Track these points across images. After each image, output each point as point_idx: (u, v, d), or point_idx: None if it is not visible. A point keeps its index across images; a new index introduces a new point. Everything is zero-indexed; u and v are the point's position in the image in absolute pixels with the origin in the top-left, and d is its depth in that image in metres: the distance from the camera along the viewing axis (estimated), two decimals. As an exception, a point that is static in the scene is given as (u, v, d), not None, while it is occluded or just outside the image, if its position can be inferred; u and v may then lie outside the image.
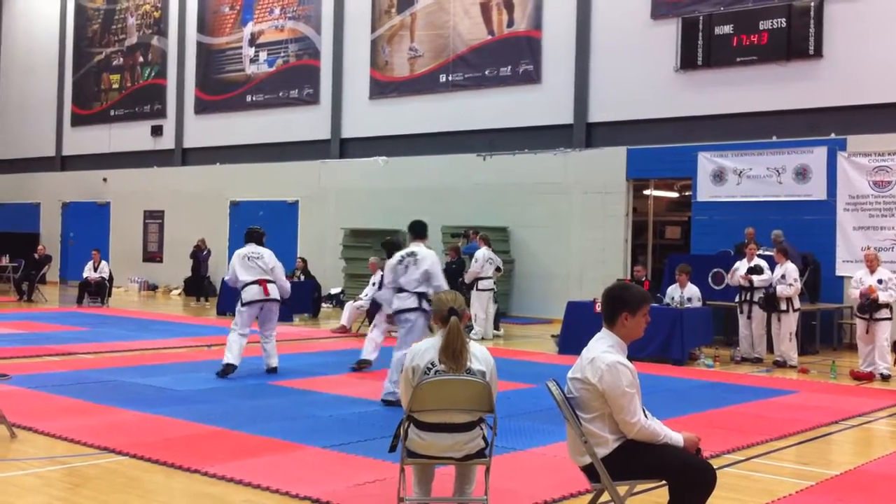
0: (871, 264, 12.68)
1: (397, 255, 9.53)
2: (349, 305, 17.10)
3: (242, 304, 11.03)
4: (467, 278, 16.25)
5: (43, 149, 32.09)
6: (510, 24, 21.35)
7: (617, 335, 4.69)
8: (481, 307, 16.15)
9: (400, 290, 9.30)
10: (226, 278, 11.65)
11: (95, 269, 21.60)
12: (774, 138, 17.65)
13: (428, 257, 9.33)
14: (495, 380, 5.29)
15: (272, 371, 11.18)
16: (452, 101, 22.18)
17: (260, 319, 11.26)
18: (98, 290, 21.53)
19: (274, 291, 11.15)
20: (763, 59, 17.87)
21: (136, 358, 12.58)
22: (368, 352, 11.66)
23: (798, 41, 17.45)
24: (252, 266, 11.07)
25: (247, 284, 11.01)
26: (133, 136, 29.32)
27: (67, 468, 6.57)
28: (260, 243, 11.38)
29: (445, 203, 21.37)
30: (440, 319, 5.35)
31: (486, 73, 21.66)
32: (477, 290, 16.15)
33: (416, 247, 9.44)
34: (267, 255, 11.24)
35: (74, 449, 7.08)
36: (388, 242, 12.78)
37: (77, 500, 5.80)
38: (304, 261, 20.83)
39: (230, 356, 10.83)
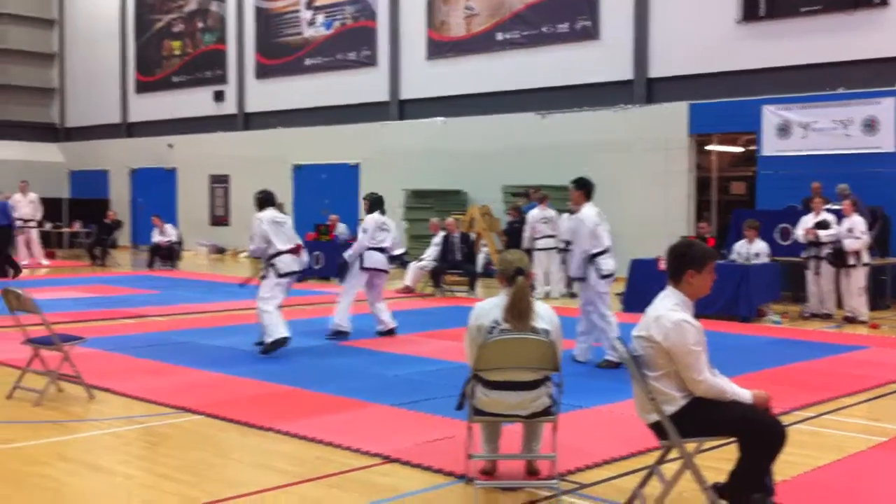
0: None
1: (597, 215, 9.36)
2: (412, 266, 17.20)
3: (280, 276, 9.98)
4: (524, 243, 16.17)
5: (109, 116, 32.68)
6: (568, -22, 21.06)
7: (682, 293, 4.68)
8: (541, 267, 16.14)
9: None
10: (253, 247, 10.32)
11: (161, 234, 22.07)
12: (841, 90, 17.22)
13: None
14: (560, 338, 5.33)
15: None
16: (510, 60, 22.01)
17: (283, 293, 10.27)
18: (168, 254, 22.00)
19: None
20: (827, 8, 17.39)
21: (206, 319, 12.86)
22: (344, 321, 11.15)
23: (864, -11, 16.96)
24: (284, 232, 10.17)
25: (281, 253, 10.04)
26: (196, 101, 29.67)
27: (144, 427, 6.78)
28: (279, 208, 10.61)
29: (505, 163, 21.30)
30: (506, 279, 5.38)
31: (544, 29, 21.43)
32: (536, 249, 16.13)
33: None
34: (289, 221, 10.49)
35: (151, 409, 7.30)
36: (375, 198, 11.82)
37: (155, 458, 6.00)
38: (366, 222, 20.96)
39: (284, 329, 9.84)
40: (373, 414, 7.10)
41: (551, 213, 16.51)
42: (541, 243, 16.22)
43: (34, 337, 7.77)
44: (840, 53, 17.25)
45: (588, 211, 9.39)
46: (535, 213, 16.40)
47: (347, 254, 11.28)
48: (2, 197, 22.38)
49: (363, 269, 11.28)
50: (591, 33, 20.65)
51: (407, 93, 24.21)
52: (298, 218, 10.58)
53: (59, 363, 7.55)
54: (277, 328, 9.79)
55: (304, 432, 6.42)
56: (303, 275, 11.07)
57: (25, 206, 22.25)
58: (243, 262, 25.62)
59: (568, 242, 16.48)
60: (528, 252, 15.54)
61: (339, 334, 11.04)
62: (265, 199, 10.34)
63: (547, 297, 15.79)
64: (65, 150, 34.26)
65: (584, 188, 9.52)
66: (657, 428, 4.63)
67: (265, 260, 10.10)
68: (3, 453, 5.99)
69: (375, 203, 11.62)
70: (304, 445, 6.21)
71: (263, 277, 10.10)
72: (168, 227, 22.33)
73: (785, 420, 5.48)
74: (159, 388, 7.96)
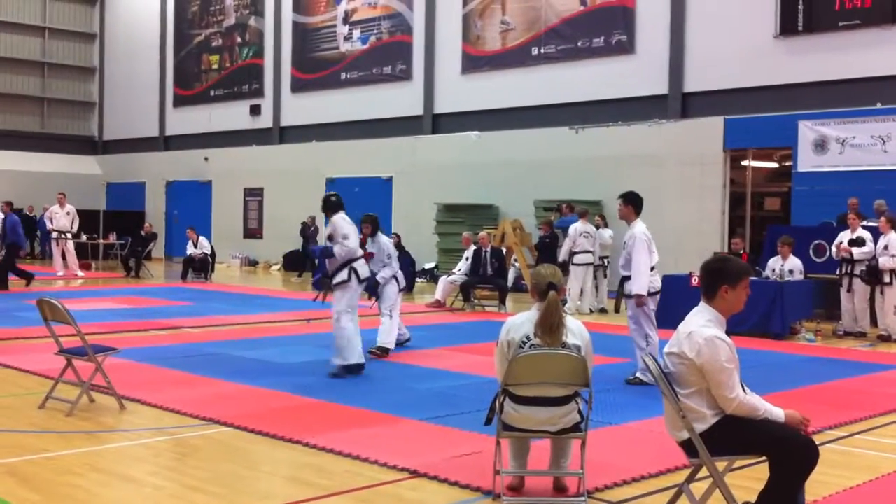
0: None
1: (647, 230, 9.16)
2: (443, 280, 17.22)
3: (361, 281, 9.65)
4: (561, 256, 16.14)
5: (147, 129, 33.10)
6: (603, -7, 21.03)
7: (716, 309, 4.63)
8: (577, 281, 16.08)
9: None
10: (343, 249, 9.45)
11: (195, 246, 22.27)
12: (879, 105, 17.04)
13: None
14: (591, 354, 5.30)
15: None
16: (544, 74, 22.02)
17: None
18: (201, 266, 22.19)
19: None
20: (866, 22, 17.23)
21: (238, 332, 12.93)
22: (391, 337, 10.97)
23: (904, 3, 16.78)
24: (358, 238, 9.84)
25: (360, 258, 9.75)
26: (232, 115, 29.97)
27: (175, 439, 6.81)
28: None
29: (538, 177, 21.28)
30: (538, 293, 5.37)
31: (579, 44, 21.41)
32: (573, 264, 16.07)
33: None
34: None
35: (181, 420, 7.34)
36: (375, 218, 11.44)
37: (185, 469, 6.02)
38: (398, 236, 21.00)
39: (359, 354, 9.51)
40: (401, 428, 7.10)
41: (591, 227, 16.48)
42: (579, 258, 16.16)
43: (68, 347, 7.85)
44: (878, 68, 17.09)
45: (642, 226, 9.23)
46: (577, 227, 16.34)
47: (381, 276, 11.07)
48: (46, 211, 22.74)
49: (400, 290, 11.28)
50: (626, 48, 20.61)
51: (441, 107, 24.28)
52: (341, 220, 10.11)
53: (92, 374, 7.62)
54: (354, 352, 9.41)
55: (332, 446, 6.43)
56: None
57: (62, 218, 22.55)
58: (275, 274, 25.78)
59: (604, 258, 16.55)
60: (564, 266, 15.54)
61: (383, 351, 10.82)
62: (339, 203, 9.79)
63: (578, 312, 15.73)
64: (102, 162, 34.74)
65: (634, 203, 9.29)
66: (687, 446, 4.58)
67: (343, 265, 9.52)
68: (35, 463, 6.04)
69: (377, 223, 11.26)
70: (333, 459, 6.21)
71: (342, 283, 9.51)
72: (202, 240, 22.54)
73: (816, 439, 5.41)
74: (190, 399, 8.00)
